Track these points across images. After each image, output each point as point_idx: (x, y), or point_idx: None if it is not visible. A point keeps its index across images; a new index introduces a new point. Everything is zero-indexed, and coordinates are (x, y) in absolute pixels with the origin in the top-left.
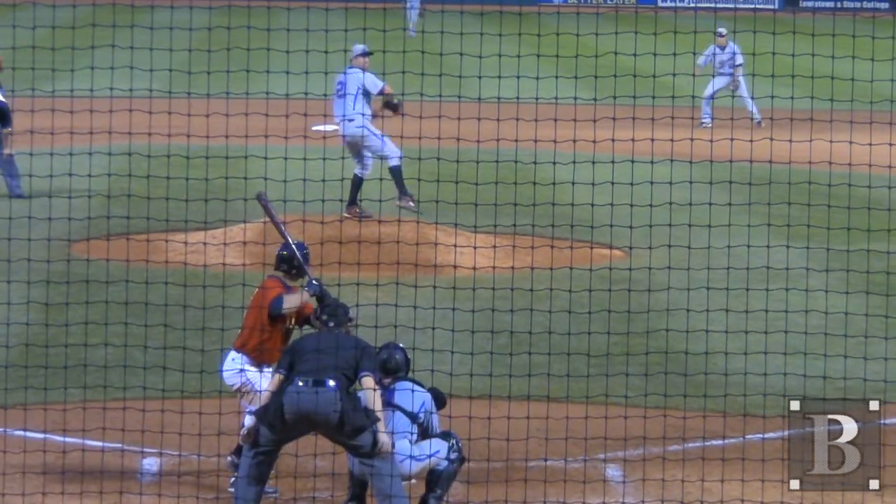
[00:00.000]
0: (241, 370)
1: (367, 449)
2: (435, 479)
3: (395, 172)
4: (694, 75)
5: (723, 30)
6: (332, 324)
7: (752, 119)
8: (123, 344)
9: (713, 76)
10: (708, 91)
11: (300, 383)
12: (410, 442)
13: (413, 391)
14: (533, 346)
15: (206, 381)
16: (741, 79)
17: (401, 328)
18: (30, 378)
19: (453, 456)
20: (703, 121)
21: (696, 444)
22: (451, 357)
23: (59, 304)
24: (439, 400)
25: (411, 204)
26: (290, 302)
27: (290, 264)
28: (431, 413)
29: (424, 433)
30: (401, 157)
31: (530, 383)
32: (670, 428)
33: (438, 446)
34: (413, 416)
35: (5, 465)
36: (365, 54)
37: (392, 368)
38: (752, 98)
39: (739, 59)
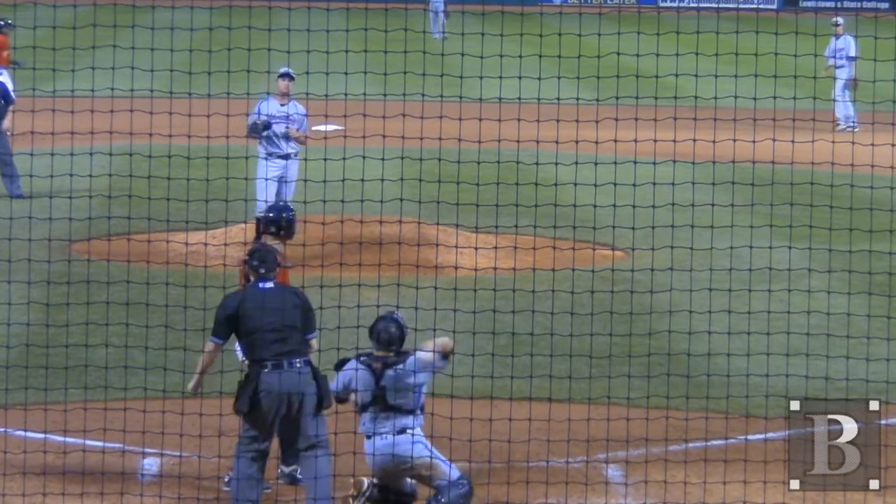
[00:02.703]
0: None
1: (313, 439)
2: (445, 488)
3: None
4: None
5: (838, 19)
6: (262, 270)
7: (835, 122)
8: (124, 344)
9: (833, 76)
10: (837, 93)
11: (274, 367)
12: (413, 435)
13: (406, 387)
14: (534, 347)
15: (206, 382)
16: (850, 80)
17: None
18: (30, 378)
19: (464, 482)
20: (847, 124)
21: (698, 444)
22: (453, 358)
23: (59, 305)
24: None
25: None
26: None
27: (278, 225)
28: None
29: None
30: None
31: (532, 384)
32: (672, 429)
33: (455, 472)
34: (412, 412)
35: (6, 465)
36: (280, 76)
37: (384, 341)
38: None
39: (853, 52)
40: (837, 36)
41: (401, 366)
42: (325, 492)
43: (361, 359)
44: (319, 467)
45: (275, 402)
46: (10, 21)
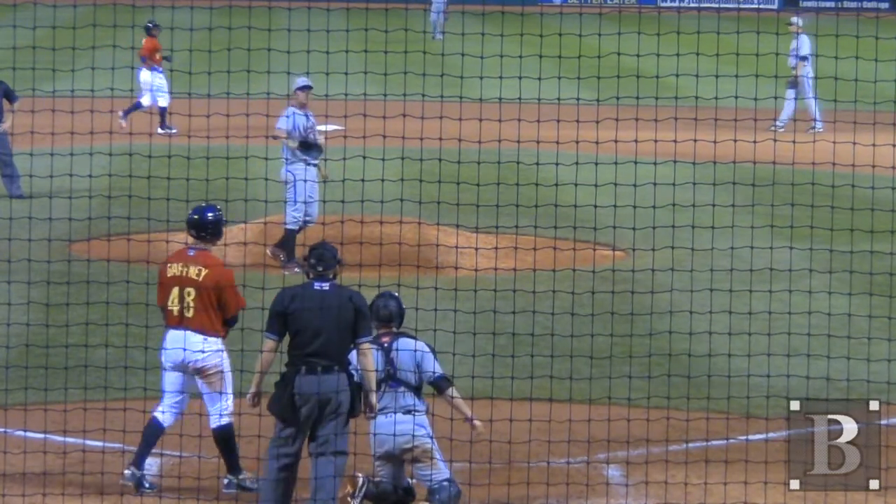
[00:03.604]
0: (220, 350)
1: (333, 444)
2: (437, 490)
3: (288, 234)
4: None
5: (794, 18)
6: (320, 268)
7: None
8: (124, 345)
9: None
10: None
11: (308, 371)
12: (415, 415)
13: (413, 366)
14: (535, 348)
15: None
16: (803, 78)
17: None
18: (30, 378)
19: (453, 487)
20: (816, 126)
21: (699, 445)
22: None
23: (59, 305)
24: (433, 352)
25: (296, 270)
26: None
27: (204, 229)
28: (434, 373)
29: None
30: (297, 222)
31: (532, 384)
32: (673, 429)
33: (445, 472)
34: (417, 390)
35: (6, 465)
36: (302, 88)
37: (384, 317)
38: (815, 98)
39: (804, 51)
40: (796, 35)
41: (407, 339)
42: (325, 493)
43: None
44: (319, 469)
45: (308, 405)
46: (157, 23)
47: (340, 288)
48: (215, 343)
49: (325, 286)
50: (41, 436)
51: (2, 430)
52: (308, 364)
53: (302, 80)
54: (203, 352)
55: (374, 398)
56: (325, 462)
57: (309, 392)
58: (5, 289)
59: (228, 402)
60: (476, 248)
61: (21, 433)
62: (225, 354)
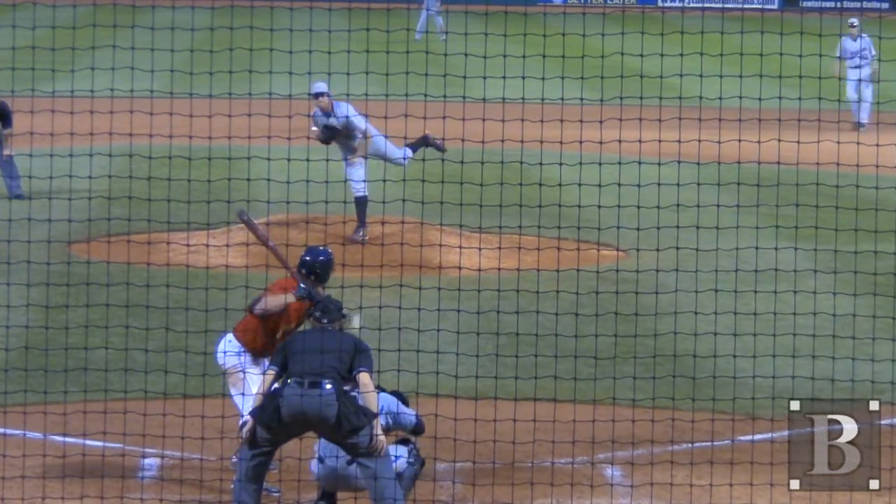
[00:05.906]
0: (239, 353)
1: (364, 448)
2: (398, 481)
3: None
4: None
5: (854, 20)
6: (325, 320)
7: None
8: (124, 346)
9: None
10: (850, 93)
11: (296, 384)
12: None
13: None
14: (539, 348)
15: (208, 383)
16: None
17: (405, 329)
18: (30, 380)
19: (412, 459)
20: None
21: (703, 445)
22: (456, 358)
23: (59, 306)
24: (402, 399)
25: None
26: (269, 303)
27: (311, 270)
28: (397, 413)
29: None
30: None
31: (536, 385)
32: (678, 431)
33: (401, 452)
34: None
35: (4, 467)
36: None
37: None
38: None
39: (873, 51)
40: (853, 37)
41: None
42: (389, 492)
43: None
44: (387, 491)
45: (291, 415)
46: None
47: (345, 333)
48: (236, 344)
49: (329, 327)
50: (41, 437)
51: (1, 431)
52: (298, 379)
53: (320, 86)
54: (225, 352)
55: (377, 425)
56: (384, 482)
57: (292, 403)
58: (4, 290)
59: (249, 403)
60: (479, 249)
61: (20, 435)
62: (246, 358)
